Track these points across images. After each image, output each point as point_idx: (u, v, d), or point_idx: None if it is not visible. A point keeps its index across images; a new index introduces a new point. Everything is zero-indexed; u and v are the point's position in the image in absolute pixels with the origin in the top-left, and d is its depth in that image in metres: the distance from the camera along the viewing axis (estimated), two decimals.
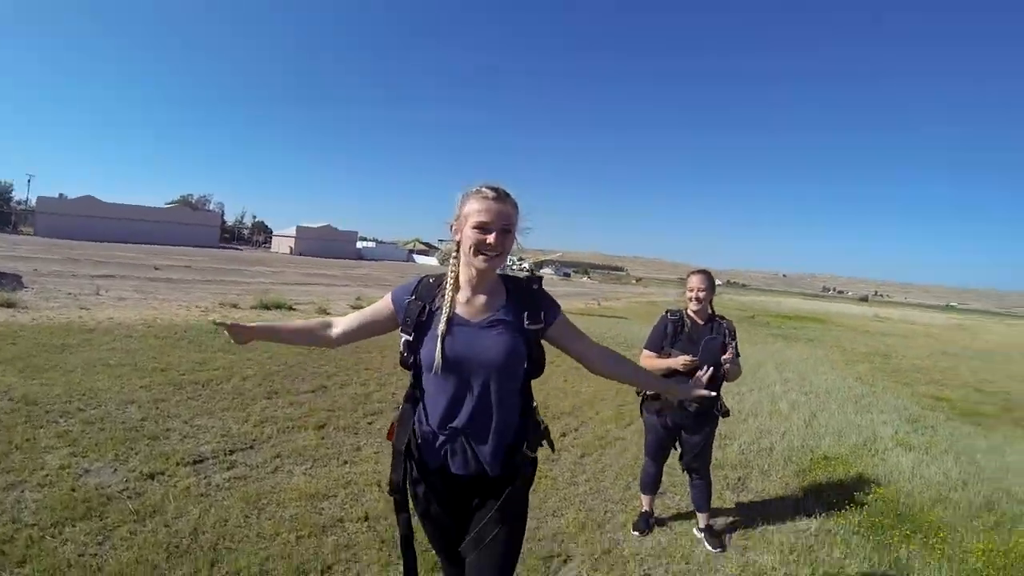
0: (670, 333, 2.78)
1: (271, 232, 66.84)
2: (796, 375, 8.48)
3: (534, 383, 1.52)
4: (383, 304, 1.50)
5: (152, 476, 2.94)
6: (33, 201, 42.88)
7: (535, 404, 1.53)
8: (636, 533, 2.95)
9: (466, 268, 1.40)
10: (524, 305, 1.43)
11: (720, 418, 2.87)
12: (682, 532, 3.02)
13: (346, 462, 3.44)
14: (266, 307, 9.43)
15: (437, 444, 1.42)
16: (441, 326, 1.37)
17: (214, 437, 3.56)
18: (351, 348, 7.08)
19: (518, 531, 1.48)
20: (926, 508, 3.58)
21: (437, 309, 1.40)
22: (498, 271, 1.44)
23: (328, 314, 10.07)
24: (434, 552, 1.64)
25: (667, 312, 2.87)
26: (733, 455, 4.34)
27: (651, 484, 3.04)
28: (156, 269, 16.53)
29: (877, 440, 5.15)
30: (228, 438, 3.58)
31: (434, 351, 1.35)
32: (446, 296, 1.40)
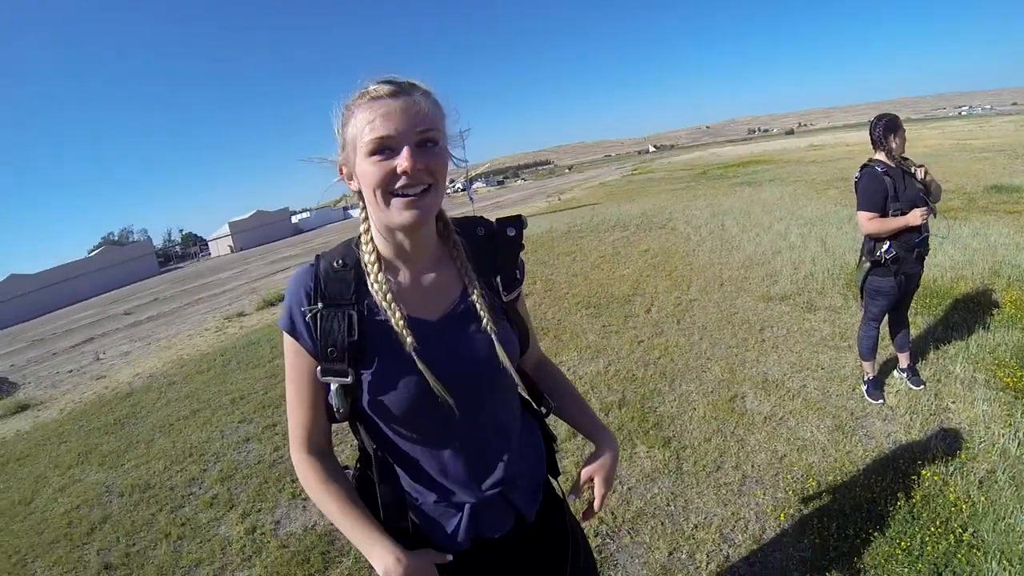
0: (890, 188, 2.49)
1: (204, 240, 63.75)
2: (785, 212, 8.81)
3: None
4: (295, 359, 0.85)
5: None
6: None
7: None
8: (874, 400, 2.89)
9: (386, 235, 0.82)
10: (494, 266, 0.90)
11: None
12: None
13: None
14: (271, 303, 8.88)
15: (449, 515, 0.91)
16: (407, 342, 0.79)
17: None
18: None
19: (593, 561, 1.17)
20: (952, 285, 4.25)
21: (374, 313, 0.82)
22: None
23: None
24: None
25: (873, 167, 2.53)
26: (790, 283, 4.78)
27: (873, 348, 2.96)
28: (128, 314, 15.33)
29: None
30: None
31: (405, 391, 0.80)
32: (374, 287, 0.81)
